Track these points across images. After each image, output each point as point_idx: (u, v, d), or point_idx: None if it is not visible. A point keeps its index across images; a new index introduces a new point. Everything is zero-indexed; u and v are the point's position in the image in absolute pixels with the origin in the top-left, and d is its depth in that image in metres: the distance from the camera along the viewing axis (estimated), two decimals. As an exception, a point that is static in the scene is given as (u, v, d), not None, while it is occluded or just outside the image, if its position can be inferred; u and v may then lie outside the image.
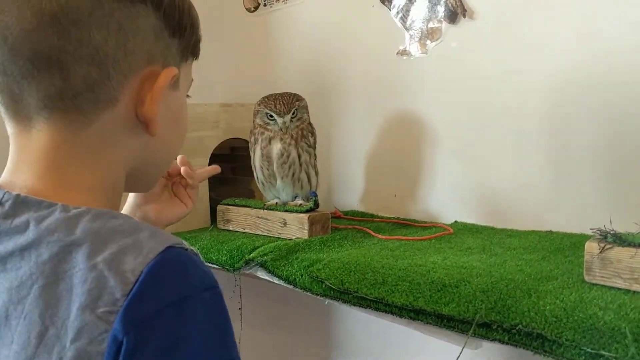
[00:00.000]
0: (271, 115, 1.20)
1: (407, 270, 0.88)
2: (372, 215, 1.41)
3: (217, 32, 1.81)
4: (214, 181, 1.56)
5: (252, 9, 1.69)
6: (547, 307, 0.71)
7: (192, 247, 0.52)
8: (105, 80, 0.53)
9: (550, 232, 1.13)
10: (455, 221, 1.27)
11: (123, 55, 0.53)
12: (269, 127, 1.20)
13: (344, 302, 0.90)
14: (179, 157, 0.84)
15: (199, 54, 0.65)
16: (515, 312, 0.72)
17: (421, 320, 0.80)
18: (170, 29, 0.58)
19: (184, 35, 0.60)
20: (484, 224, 1.24)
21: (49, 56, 0.51)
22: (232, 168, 1.62)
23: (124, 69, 0.54)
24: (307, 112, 1.25)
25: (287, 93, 1.22)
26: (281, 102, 1.19)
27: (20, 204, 0.51)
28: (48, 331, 0.46)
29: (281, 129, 1.19)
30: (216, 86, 1.78)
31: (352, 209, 1.48)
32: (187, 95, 0.68)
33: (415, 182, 1.37)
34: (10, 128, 0.56)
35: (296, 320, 1.56)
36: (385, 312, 0.84)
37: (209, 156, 1.39)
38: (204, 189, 1.37)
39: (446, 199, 1.32)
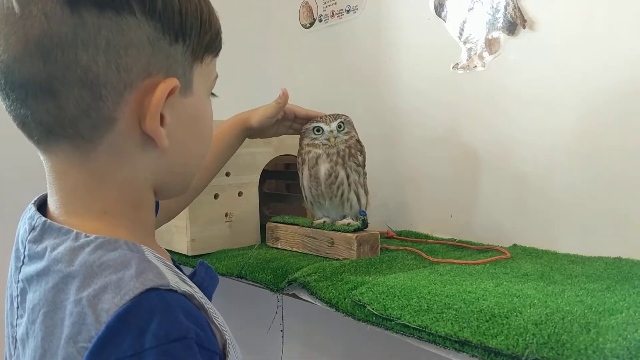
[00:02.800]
0: (318, 129, 1.17)
1: (455, 297, 0.83)
2: (427, 236, 1.35)
3: (273, 49, 1.82)
4: (268, 198, 1.55)
5: (308, 25, 1.68)
6: (608, 345, 0.64)
7: (184, 289, 0.50)
8: (99, 102, 0.51)
9: (619, 258, 1.04)
10: (514, 244, 1.20)
11: (116, 73, 0.51)
12: (316, 142, 1.18)
13: (387, 329, 0.85)
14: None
15: (219, 50, 0.61)
16: (571, 349, 0.65)
17: (466, 353, 0.74)
18: (171, 35, 0.54)
19: (190, 38, 0.56)
20: (545, 248, 1.15)
21: (39, 84, 0.49)
22: (286, 185, 1.61)
23: (119, 87, 0.52)
24: (355, 130, 1.21)
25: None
26: (326, 116, 1.18)
27: (47, 229, 0.54)
28: (46, 355, 0.49)
29: (328, 140, 1.16)
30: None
31: (406, 229, 1.43)
32: (212, 94, 0.65)
33: (473, 202, 1.30)
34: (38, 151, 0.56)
35: (341, 345, 1.52)
36: (429, 341, 0.78)
37: (260, 172, 1.38)
38: (253, 207, 1.36)
39: (505, 220, 1.25)
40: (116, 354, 0.44)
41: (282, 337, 1.17)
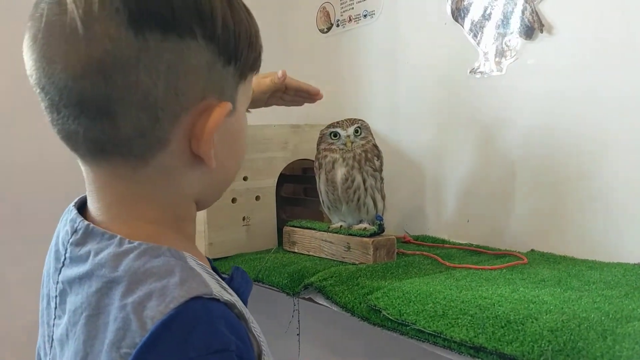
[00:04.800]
0: (335, 134, 1.18)
1: (470, 303, 0.83)
2: (444, 241, 1.35)
3: (290, 54, 1.82)
4: (285, 202, 1.56)
5: (326, 29, 1.69)
6: (624, 353, 0.64)
7: (227, 298, 0.50)
8: (155, 124, 0.51)
9: (639, 265, 1.02)
10: (532, 250, 1.19)
11: (174, 97, 0.51)
12: (333, 147, 1.18)
13: (402, 334, 0.85)
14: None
15: (259, 66, 0.61)
16: (587, 356, 0.65)
17: (481, 359, 0.74)
18: (226, 58, 0.54)
19: (241, 60, 0.56)
20: (563, 254, 1.14)
21: (97, 103, 0.49)
22: (304, 189, 1.61)
23: (176, 110, 0.52)
24: (372, 134, 1.22)
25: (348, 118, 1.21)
26: (343, 120, 1.18)
27: (89, 233, 0.54)
28: (87, 358, 0.49)
29: (345, 144, 1.16)
30: (289, 107, 1.79)
31: (424, 233, 1.43)
32: (247, 110, 0.65)
33: (490, 207, 1.30)
34: (78, 160, 0.57)
35: (359, 349, 1.52)
36: (444, 347, 0.79)
37: (277, 177, 1.39)
38: (271, 211, 1.37)
39: (523, 225, 1.24)
40: None
41: (299, 341, 1.17)
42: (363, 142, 1.18)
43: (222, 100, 0.55)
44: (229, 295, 0.52)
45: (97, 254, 0.52)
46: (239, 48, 0.55)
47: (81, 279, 0.52)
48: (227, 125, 0.57)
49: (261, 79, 1.19)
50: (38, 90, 0.52)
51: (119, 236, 0.52)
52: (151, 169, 0.54)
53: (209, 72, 0.53)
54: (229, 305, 0.50)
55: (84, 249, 0.53)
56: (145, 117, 0.50)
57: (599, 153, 1.10)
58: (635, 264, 1.03)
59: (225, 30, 0.53)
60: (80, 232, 0.54)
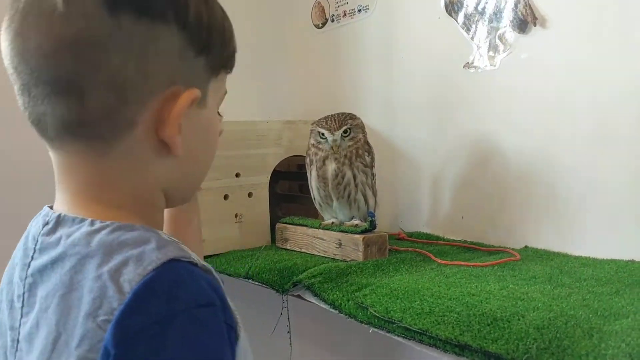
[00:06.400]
0: (322, 134, 1.16)
1: (457, 300, 0.82)
2: (438, 238, 1.33)
3: (286, 49, 1.81)
4: (281, 199, 1.55)
5: (321, 25, 1.68)
6: (610, 351, 0.62)
7: (204, 263, 0.51)
8: (122, 105, 0.51)
9: (632, 261, 1.01)
10: (526, 246, 1.18)
11: (143, 79, 0.51)
12: (320, 146, 1.17)
13: (389, 331, 0.84)
14: None
15: (232, 66, 0.62)
16: (571, 354, 0.64)
17: (466, 357, 0.72)
18: (197, 48, 0.55)
19: (212, 53, 0.57)
20: (557, 251, 1.13)
21: (67, 81, 0.50)
22: (299, 186, 1.60)
23: (144, 93, 0.52)
24: (363, 132, 1.20)
25: (341, 112, 1.18)
26: (332, 120, 1.16)
27: (60, 222, 0.54)
28: (60, 337, 0.49)
29: (331, 147, 1.15)
30: (284, 103, 1.78)
31: (418, 230, 1.42)
32: (219, 114, 0.65)
33: (484, 203, 1.28)
34: (47, 147, 0.57)
35: (352, 347, 1.51)
36: (429, 344, 0.77)
37: (270, 173, 1.38)
38: (263, 208, 1.36)
39: (517, 221, 1.22)
40: (145, 319, 0.45)
41: (290, 338, 1.16)
42: (351, 142, 1.17)
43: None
44: (204, 263, 0.53)
45: (69, 236, 0.52)
46: (211, 41, 0.56)
47: (53, 263, 0.52)
48: (197, 116, 0.57)
49: None
50: (11, 71, 0.52)
51: (89, 219, 0.52)
52: (117, 154, 0.54)
53: (179, 60, 0.54)
54: (206, 270, 0.51)
55: (55, 236, 0.54)
56: (113, 97, 0.51)
57: (594, 148, 1.08)
58: (628, 261, 1.01)
59: (198, 20, 0.54)
60: (51, 223, 0.55)
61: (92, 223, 0.52)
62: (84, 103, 0.50)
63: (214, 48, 0.57)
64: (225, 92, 0.65)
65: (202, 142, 0.61)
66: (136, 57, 0.51)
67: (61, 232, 0.53)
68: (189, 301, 0.47)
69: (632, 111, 1.02)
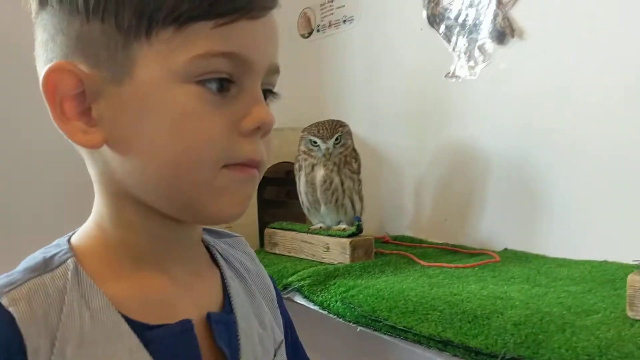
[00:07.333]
0: (314, 142, 1.21)
1: (440, 300, 0.86)
2: (421, 241, 1.38)
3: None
4: (268, 204, 1.59)
5: (307, 34, 1.72)
6: (580, 344, 0.67)
7: (13, 310, 0.43)
8: None
9: (605, 261, 1.06)
10: (505, 249, 1.23)
11: (42, 67, 0.47)
12: (312, 153, 1.21)
13: (375, 329, 0.88)
14: None
15: (188, 17, 0.44)
16: (546, 348, 0.69)
17: (449, 352, 0.77)
18: (82, 14, 0.45)
19: (107, 11, 0.45)
20: (536, 253, 1.18)
21: None
22: (287, 192, 1.64)
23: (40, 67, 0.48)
24: (351, 138, 1.25)
25: (330, 120, 1.23)
26: (324, 128, 1.20)
27: None
28: None
29: (324, 155, 1.19)
30: (272, 110, 1.81)
31: (402, 234, 1.46)
32: (218, 84, 0.46)
33: (466, 207, 1.33)
34: None
35: (339, 348, 1.55)
36: (414, 341, 0.82)
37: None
38: (252, 214, 1.40)
39: (497, 224, 1.27)
40: None
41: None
42: (342, 149, 1.21)
43: (91, 66, 0.46)
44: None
45: None
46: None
47: None
48: (120, 96, 0.46)
49: None
50: None
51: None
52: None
53: (63, 35, 0.47)
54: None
55: None
56: None
57: (570, 155, 1.13)
58: (601, 261, 1.07)
59: None
60: None
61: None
62: None
63: (108, 5, 0.45)
64: (208, 53, 0.45)
65: (143, 129, 0.46)
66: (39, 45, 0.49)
67: None
68: None
69: (603, 116, 1.08)
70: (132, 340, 0.46)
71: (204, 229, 0.61)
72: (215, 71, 0.46)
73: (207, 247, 0.60)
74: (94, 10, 0.45)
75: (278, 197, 1.65)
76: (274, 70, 0.52)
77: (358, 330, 0.92)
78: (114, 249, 0.50)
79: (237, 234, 0.68)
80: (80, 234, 0.52)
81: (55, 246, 0.50)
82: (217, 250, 0.60)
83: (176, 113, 0.46)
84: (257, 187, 0.52)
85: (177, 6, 0.44)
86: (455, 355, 0.77)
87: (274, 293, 0.66)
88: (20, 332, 0.42)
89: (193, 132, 0.46)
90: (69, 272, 0.46)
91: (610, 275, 0.96)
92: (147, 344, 0.46)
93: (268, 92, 0.53)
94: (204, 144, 0.46)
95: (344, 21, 1.58)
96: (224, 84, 0.47)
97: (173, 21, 0.44)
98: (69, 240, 0.51)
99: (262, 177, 0.51)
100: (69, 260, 0.48)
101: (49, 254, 0.48)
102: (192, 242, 0.56)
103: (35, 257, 0.48)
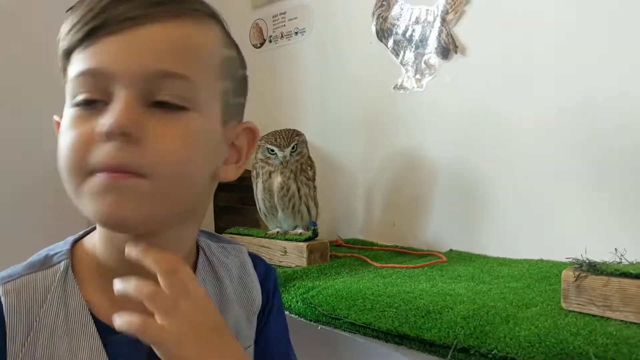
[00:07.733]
0: (272, 150, 1.25)
1: (395, 297, 0.92)
2: (372, 244, 1.45)
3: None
4: (222, 211, 1.62)
5: (259, 45, 1.77)
6: (522, 333, 0.75)
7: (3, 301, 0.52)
8: None
9: (541, 260, 1.16)
10: (451, 250, 1.31)
11: None
12: (269, 161, 1.26)
13: (336, 327, 0.94)
14: None
15: (71, 43, 0.51)
16: (492, 337, 0.76)
17: (405, 346, 0.84)
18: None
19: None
20: (478, 253, 1.27)
21: None
22: (240, 198, 1.68)
23: None
24: (307, 147, 1.31)
25: (287, 129, 1.28)
26: (281, 137, 1.25)
27: None
28: None
29: (281, 163, 1.24)
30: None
31: (354, 237, 1.53)
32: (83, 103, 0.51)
33: (413, 212, 1.41)
34: None
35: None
36: (373, 337, 0.88)
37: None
38: (209, 218, 1.43)
39: (442, 228, 1.36)
40: None
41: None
42: (298, 157, 1.27)
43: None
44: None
45: None
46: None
47: None
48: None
49: None
50: None
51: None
52: None
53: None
54: None
55: None
56: None
57: (508, 163, 1.23)
58: (538, 260, 1.17)
59: None
60: None
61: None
62: None
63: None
64: (79, 74, 0.50)
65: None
66: None
67: None
68: None
69: (538, 129, 1.18)
70: (95, 341, 0.53)
71: (206, 232, 0.68)
72: (82, 90, 0.50)
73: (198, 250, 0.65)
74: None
75: (231, 203, 1.69)
76: (159, 75, 0.50)
77: (319, 328, 0.97)
78: (100, 257, 0.56)
79: (238, 242, 0.73)
80: (86, 236, 0.59)
81: (61, 245, 0.57)
82: (204, 252, 0.65)
83: (61, 131, 0.52)
84: (144, 192, 0.49)
85: (65, 44, 0.52)
86: (411, 348, 0.83)
87: (259, 302, 0.70)
88: (4, 320, 0.51)
89: (62, 144, 0.51)
90: (58, 274, 0.54)
91: (545, 272, 1.06)
92: (108, 346, 0.53)
93: (167, 105, 0.51)
94: (66, 152, 0.50)
95: (296, 33, 1.64)
96: (90, 99, 0.50)
97: (66, 56, 0.52)
98: (74, 241, 0.58)
99: (170, 182, 0.50)
100: (63, 262, 0.55)
101: (51, 252, 0.56)
102: (169, 249, 0.54)
103: (40, 253, 0.56)
